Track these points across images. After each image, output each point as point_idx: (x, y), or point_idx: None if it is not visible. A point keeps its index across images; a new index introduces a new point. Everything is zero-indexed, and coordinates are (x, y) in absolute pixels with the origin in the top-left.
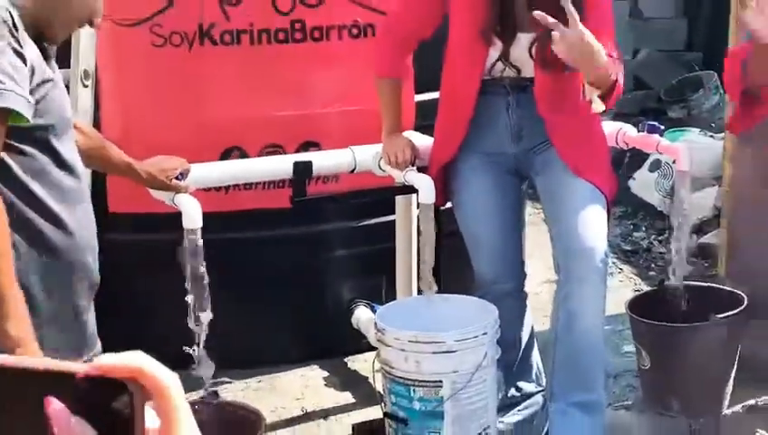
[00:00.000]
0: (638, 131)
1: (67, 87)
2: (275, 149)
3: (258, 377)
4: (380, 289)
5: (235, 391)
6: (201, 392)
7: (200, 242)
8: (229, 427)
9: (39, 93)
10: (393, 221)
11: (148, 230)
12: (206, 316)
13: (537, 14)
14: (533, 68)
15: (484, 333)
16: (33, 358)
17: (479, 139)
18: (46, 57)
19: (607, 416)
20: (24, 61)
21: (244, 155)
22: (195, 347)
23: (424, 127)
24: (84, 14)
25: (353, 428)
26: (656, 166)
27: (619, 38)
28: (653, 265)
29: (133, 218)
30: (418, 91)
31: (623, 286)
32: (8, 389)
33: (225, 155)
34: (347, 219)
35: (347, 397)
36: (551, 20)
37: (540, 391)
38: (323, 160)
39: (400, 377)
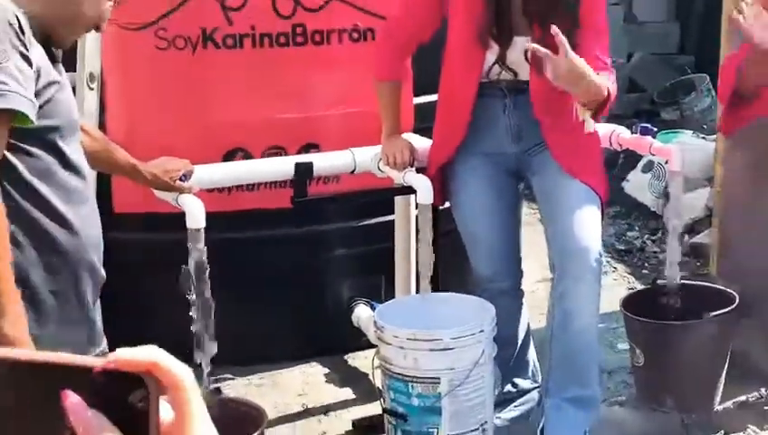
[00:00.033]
0: (632, 133)
1: (73, 90)
2: (277, 150)
3: (260, 374)
4: (380, 288)
5: (238, 387)
6: (204, 389)
7: (207, 266)
8: (232, 422)
9: (45, 96)
10: (392, 221)
11: (153, 230)
12: (213, 348)
13: (532, 45)
14: (529, 71)
15: (482, 331)
16: (50, 353)
17: (478, 140)
18: (53, 60)
19: (601, 412)
20: (30, 64)
21: (246, 157)
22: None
23: (422, 129)
24: (91, 20)
25: (353, 423)
26: (649, 167)
27: (613, 42)
28: (646, 264)
29: (138, 218)
30: (417, 94)
31: (617, 285)
32: (26, 382)
33: (228, 157)
34: (347, 219)
35: (347, 393)
36: (542, 50)
37: (536, 388)
38: (324, 162)
39: (399, 374)
